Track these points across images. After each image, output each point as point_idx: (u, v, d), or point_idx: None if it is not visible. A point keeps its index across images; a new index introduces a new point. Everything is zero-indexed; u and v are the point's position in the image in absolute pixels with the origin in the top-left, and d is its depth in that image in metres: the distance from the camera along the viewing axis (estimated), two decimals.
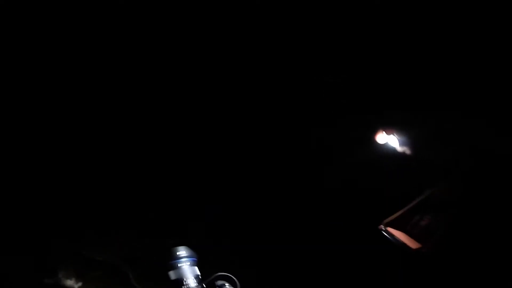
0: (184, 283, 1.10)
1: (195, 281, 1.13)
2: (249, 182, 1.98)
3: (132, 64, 1.62)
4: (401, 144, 1.49)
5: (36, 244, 1.58)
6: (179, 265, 1.13)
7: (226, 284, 1.10)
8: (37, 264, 1.52)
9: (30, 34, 1.36)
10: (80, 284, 1.57)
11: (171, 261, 1.12)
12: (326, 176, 2.02)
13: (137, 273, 1.74)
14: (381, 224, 1.48)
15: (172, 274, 1.11)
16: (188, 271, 1.14)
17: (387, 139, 1.43)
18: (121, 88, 1.69)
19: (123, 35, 1.51)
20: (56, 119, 1.62)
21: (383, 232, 1.42)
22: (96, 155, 1.71)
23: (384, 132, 1.44)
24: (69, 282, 1.55)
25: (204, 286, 1.14)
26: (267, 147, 1.95)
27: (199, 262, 1.16)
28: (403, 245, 1.44)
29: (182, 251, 1.15)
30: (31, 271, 1.49)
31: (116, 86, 1.70)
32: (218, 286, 1.09)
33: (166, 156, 1.85)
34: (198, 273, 1.15)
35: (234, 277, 1.10)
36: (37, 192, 1.60)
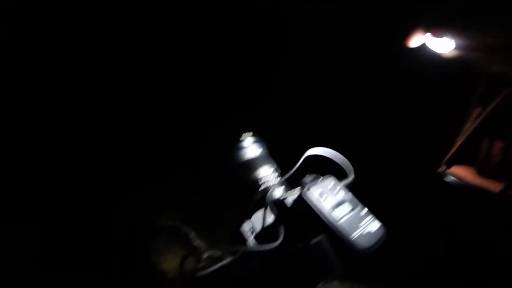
0: (261, 179, 0.71)
1: (275, 174, 0.73)
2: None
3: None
4: (457, 47, 0.70)
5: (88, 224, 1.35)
6: (247, 156, 0.73)
7: (322, 179, 0.67)
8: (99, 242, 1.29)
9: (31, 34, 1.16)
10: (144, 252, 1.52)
11: (237, 150, 0.73)
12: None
13: (196, 231, 1.57)
14: (441, 166, 0.82)
15: (241, 170, 0.72)
16: (263, 160, 0.74)
17: (426, 41, 0.69)
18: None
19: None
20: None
21: (446, 177, 0.78)
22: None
23: (426, 31, 0.69)
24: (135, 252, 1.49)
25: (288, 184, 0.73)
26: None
27: None
28: (478, 189, 0.77)
29: (248, 137, 0.75)
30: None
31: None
32: (309, 181, 0.67)
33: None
34: (275, 164, 0.75)
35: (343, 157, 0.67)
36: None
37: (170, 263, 1.59)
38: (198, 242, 1.64)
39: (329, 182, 0.59)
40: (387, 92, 1.37)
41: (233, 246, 0.66)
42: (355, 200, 0.57)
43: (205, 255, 1.57)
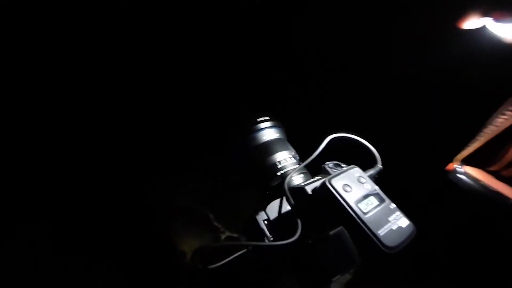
0: (278, 164, 0.65)
1: (294, 160, 0.67)
2: None
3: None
4: None
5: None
6: (264, 139, 0.68)
7: (344, 165, 0.61)
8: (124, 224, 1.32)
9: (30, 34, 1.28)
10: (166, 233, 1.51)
11: (253, 133, 0.67)
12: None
13: (215, 213, 1.56)
14: (453, 163, 0.70)
15: (257, 154, 0.67)
16: (281, 144, 0.68)
17: (486, 24, 0.54)
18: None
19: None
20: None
21: (460, 176, 0.66)
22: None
23: (487, 14, 0.54)
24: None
25: (307, 171, 0.67)
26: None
27: None
28: (496, 194, 0.66)
29: (265, 117, 0.70)
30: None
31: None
32: (330, 169, 0.61)
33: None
34: (293, 150, 0.70)
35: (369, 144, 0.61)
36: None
37: (189, 244, 1.60)
38: (216, 224, 1.65)
39: (355, 172, 0.53)
40: (425, 77, 1.26)
41: (248, 239, 0.62)
42: (383, 194, 0.51)
43: (223, 237, 1.59)
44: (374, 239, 0.45)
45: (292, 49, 1.48)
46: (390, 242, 0.45)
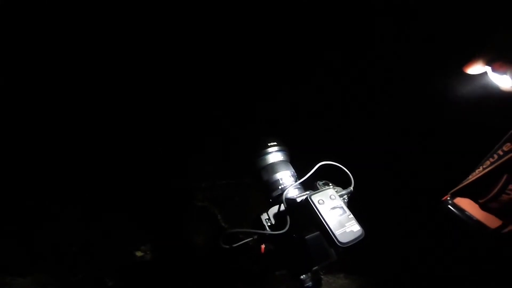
0: (280, 182, 0.98)
1: (292, 178, 1.00)
2: None
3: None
4: None
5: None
6: (270, 161, 1.01)
7: (330, 184, 0.94)
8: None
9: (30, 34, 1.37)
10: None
11: (260, 156, 1.01)
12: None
13: (224, 213, 1.86)
14: (447, 195, 0.89)
15: (264, 172, 1.00)
16: (283, 165, 1.02)
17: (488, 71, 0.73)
18: None
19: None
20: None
21: (449, 206, 0.86)
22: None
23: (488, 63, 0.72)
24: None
25: (301, 186, 1.00)
26: None
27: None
28: (477, 222, 0.84)
29: (273, 141, 1.03)
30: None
31: None
32: (319, 185, 0.94)
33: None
34: (293, 170, 1.03)
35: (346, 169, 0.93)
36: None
37: (198, 240, 1.94)
38: (224, 223, 1.99)
39: (329, 192, 0.85)
40: (423, 112, 1.50)
41: (252, 230, 0.95)
42: (346, 207, 0.84)
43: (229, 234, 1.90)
44: (332, 236, 0.77)
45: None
46: (343, 239, 0.77)
